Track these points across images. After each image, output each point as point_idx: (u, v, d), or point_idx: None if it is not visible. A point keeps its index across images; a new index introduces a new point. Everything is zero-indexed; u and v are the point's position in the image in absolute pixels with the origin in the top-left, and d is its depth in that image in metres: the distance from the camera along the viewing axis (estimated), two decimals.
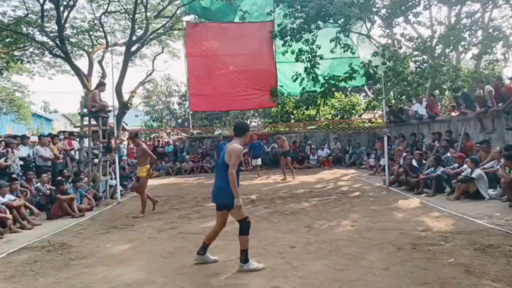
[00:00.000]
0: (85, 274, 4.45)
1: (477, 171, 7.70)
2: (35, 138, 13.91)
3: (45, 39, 18.48)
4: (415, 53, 15.19)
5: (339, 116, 21.21)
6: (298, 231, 5.99)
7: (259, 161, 14.44)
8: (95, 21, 19.96)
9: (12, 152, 9.16)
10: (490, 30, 13.43)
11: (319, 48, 16.95)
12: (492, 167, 8.11)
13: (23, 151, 9.97)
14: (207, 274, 4.26)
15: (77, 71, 18.59)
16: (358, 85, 20.35)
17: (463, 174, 7.95)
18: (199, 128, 23.02)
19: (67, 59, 18.23)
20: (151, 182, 14.38)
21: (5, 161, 8.65)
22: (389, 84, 15.91)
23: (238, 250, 5.12)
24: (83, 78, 18.55)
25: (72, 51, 20.18)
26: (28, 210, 7.57)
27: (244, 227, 4.34)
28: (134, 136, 8.86)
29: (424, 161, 9.95)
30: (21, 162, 9.56)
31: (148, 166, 8.17)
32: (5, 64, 18.37)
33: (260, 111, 28.08)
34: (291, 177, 13.09)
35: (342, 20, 14.45)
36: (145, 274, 4.36)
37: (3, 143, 10.00)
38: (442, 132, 11.78)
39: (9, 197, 7.26)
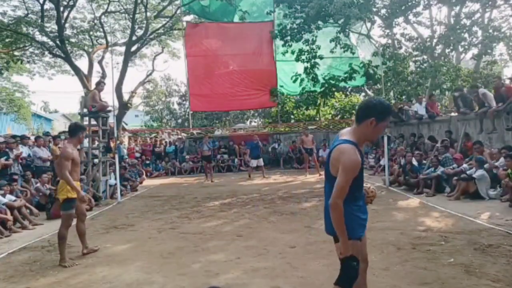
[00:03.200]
0: (85, 274, 4.45)
1: (480, 172, 7.70)
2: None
3: (45, 39, 18.46)
4: (415, 53, 15.21)
5: (339, 116, 21.22)
6: (298, 231, 5.99)
7: (261, 162, 14.09)
8: (95, 21, 19.94)
9: (12, 151, 9.16)
10: (490, 31, 13.43)
11: (319, 48, 16.98)
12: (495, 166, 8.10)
13: (23, 151, 9.97)
14: (207, 274, 4.25)
15: (77, 71, 18.58)
16: (358, 85, 20.38)
17: (468, 172, 7.92)
18: (199, 128, 23.03)
19: (67, 59, 18.21)
20: (151, 182, 14.47)
21: (6, 160, 8.65)
22: (389, 84, 15.92)
23: (238, 250, 5.15)
24: (83, 78, 18.53)
25: (72, 51, 20.15)
26: (28, 210, 7.58)
27: (346, 272, 2.55)
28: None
29: (424, 161, 9.95)
30: (21, 161, 9.56)
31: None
32: (5, 64, 18.36)
33: (260, 111, 28.14)
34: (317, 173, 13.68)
35: (342, 20, 14.47)
36: (145, 274, 4.36)
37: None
38: (442, 132, 11.78)
39: (9, 198, 7.27)
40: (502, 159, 7.76)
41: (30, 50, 19.91)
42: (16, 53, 18.87)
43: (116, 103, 16.28)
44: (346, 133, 2.57)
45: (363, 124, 2.48)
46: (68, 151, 4.91)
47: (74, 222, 5.13)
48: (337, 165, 2.41)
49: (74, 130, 5.22)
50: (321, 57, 17.19)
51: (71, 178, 4.80)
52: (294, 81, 18.38)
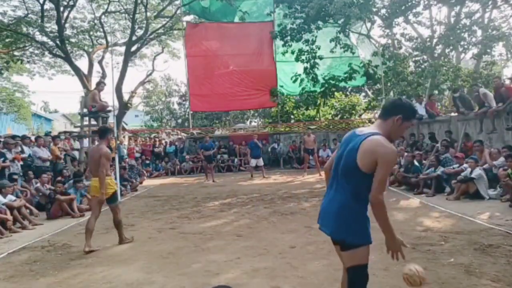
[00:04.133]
0: (85, 274, 4.45)
1: (477, 171, 7.71)
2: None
3: (45, 39, 18.46)
4: (415, 53, 15.21)
5: (339, 116, 21.22)
6: (298, 231, 5.99)
7: (260, 162, 14.20)
8: (95, 21, 19.96)
9: (10, 151, 9.16)
10: (490, 30, 13.44)
11: (319, 48, 16.97)
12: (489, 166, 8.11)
13: (25, 151, 9.96)
14: (207, 274, 4.25)
15: (77, 71, 18.59)
16: (358, 85, 20.39)
17: (462, 174, 7.95)
18: (199, 128, 23.03)
19: (67, 59, 18.23)
20: (151, 182, 14.47)
21: (4, 161, 8.64)
22: (389, 84, 15.92)
23: (238, 250, 5.15)
24: (83, 78, 18.55)
25: (72, 51, 20.16)
26: (27, 210, 7.58)
27: (359, 281, 2.56)
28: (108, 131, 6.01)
29: (424, 161, 9.95)
30: (21, 163, 9.56)
31: None
32: (5, 64, 18.37)
33: (260, 111, 28.12)
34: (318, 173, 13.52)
35: (342, 20, 14.46)
36: (145, 274, 4.36)
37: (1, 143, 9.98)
38: (442, 132, 11.78)
39: (10, 197, 7.26)
40: (501, 159, 7.77)
41: (30, 50, 19.92)
42: (16, 53, 18.88)
43: (116, 103, 16.28)
44: (370, 128, 2.47)
45: (389, 121, 2.42)
46: (108, 151, 5.53)
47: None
48: (372, 157, 2.27)
49: (104, 132, 5.75)
50: (321, 57, 17.18)
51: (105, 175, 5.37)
52: (294, 81, 18.38)
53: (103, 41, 20.55)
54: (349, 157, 2.38)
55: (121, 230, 5.67)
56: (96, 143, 6.32)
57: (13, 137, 10.79)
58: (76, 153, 11.88)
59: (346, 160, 2.40)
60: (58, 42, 17.37)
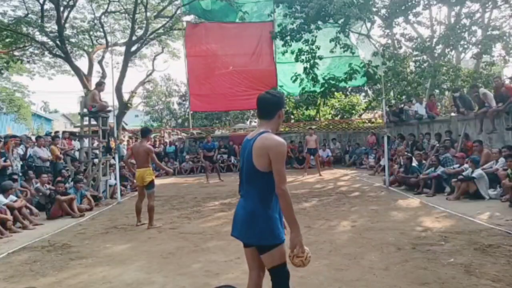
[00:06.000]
0: (85, 274, 4.45)
1: (478, 171, 7.71)
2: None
3: (45, 39, 18.48)
4: (415, 53, 15.19)
5: (339, 116, 21.22)
6: None
7: None
8: (95, 21, 19.97)
9: (12, 151, 9.16)
10: (490, 30, 13.44)
11: (319, 48, 16.95)
12: (491, 167, 8.11)
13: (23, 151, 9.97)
14: (207, 274, 4.25)
15: (77, 71, 18.60)
16: (358, 85, 20.38)
17: (464, 173, 7.95)
18: (199, 128, 23.02)
19: (67, 59, 18.24)
20: None
21: (5, 161, 8.64)
22: (389, 84, 15.91)
23: (238, 250, 5.14)
24: (83, 78, 18.55)
25: (72, 51, 20.16)
26: (27, 210, 7.58)
27: (281, 280, 2.66)
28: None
29: (424, 161, 9.95)
30: (21, 162, 9.56)
31: None
32: (5, 64, 18.36)
33: None
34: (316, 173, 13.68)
35: (342, 20, 14.43)
36: (145, 274, 4.36)
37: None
38: (442, 132, 11.78)
39: (11, 198, 7.27)
40: (502, 159, 7.77)
41: (30, 50, 19.92)
42: (16, 53, 18.88)
43: (116, 103, 16.29)
44: (257, 130, 2.54)
45: (275, 118, 2.55)
46: (151, 147, 6.96)
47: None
48: (264, 154, 2.37)
49: (145, 132, 7.11)
50: (321, 57, 17.15)
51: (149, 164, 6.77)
52: (294, 81, 18.36)
53: (103, 41, 20.55)
54: (248, 162, 2.47)
55: (152, 214, 6.69)
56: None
57: (13, 137, 10.79)
58: (76, 153, 11.87)
59: (247, 166, 2.50)
60: (58, 42, 17.37)
